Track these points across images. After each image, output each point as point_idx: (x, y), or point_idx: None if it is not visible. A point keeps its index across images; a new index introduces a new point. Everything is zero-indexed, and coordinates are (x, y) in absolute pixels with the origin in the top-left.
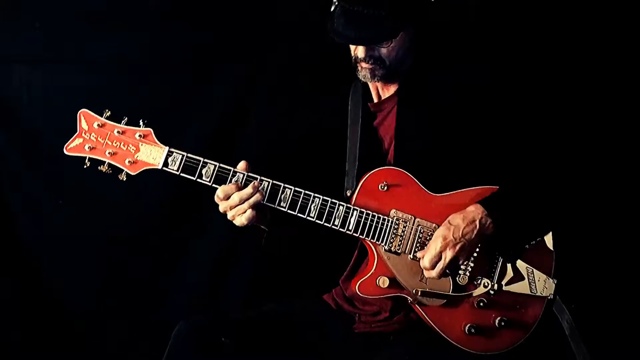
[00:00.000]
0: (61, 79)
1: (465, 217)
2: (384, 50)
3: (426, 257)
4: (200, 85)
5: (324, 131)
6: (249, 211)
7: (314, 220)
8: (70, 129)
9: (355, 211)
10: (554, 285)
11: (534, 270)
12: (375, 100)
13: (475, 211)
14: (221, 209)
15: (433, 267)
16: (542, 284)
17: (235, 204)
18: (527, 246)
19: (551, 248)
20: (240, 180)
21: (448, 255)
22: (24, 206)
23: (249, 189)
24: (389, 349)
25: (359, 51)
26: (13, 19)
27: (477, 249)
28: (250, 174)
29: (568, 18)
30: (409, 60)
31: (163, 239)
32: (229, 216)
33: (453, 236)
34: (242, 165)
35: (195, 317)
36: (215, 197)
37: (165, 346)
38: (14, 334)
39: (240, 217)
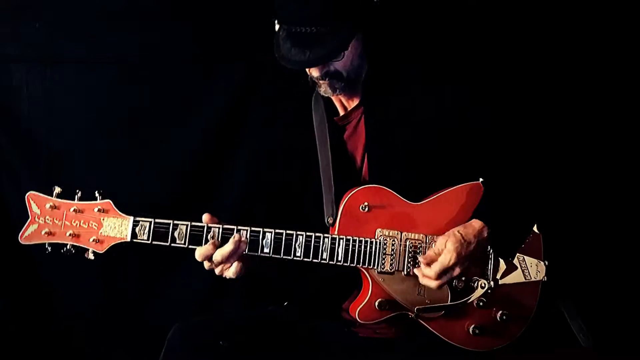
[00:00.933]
0: (61, 79)
1: (474, 234)
2: (338, 64)
3: (434, 267)
4: (200, 85)
5: (296, 154)
6: (235, 264)
7: (301, 259)
8: (71, 129)
9: (341, 240)
10: (544, 267)
11: (525, 257)
12: (342, 112)
13: (479, 226)
14: (206, 267)
15: (437, 277)
16: (535, 269)
17: (219, 262)
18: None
19: (537, 231)
20: (217, 235)
21: (457, 271)
22: (24, 206)
23: (229, 245)
24: (393, 352)
25: (313, 71)
26: (13, 19)
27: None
28: (225, 225)
29: (541, 13)
30: (364, 66)
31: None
32: (217, 272)
33: (466, 252)
34: (206, 217)
35: (190, 319)
36: (196, 257)
37: (160, 348)
38: (13, 334)
39: (228, 271)
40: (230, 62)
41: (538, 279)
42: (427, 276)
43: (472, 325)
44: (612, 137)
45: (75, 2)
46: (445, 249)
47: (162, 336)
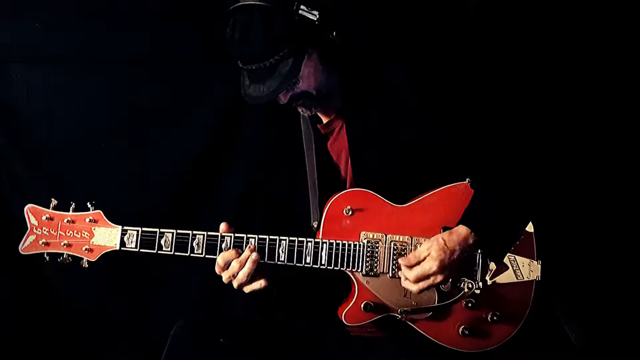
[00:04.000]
0: (61, 79)
1: (459, 241)
2: (301, 85)
3: (415, 270)
4: (200, 85)
5: (287, 160)
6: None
7: (284, 263)
8: (70, 129)
9: (324, 244)
10: (539, 266)
11: (516, 257)
12: (325, 120)
13: (465, 233)
14: (224, 279)
15: (416, 281)
16: (527, 268)
17: (236, 271)
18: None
19: (530, 230)
20: (201, 242)
21: (438, 278)
22: (24, 206)
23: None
24: (385, 350)
25: (279, 100)
26: (13, 19)
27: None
28: (209, 233)
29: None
30: (333, 77)
31: None
32: (235, 285)
33: (449, 260)
34: (223, 227)
35: (193, 317)
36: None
37: (163, 345)
38: (14, 334)
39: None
40: (230, 62)
41: (531, 278)
42: (407, 278)
43: (462, 326)
44: (604, 134)
45: (76, 2)
46: (428, 256)
47: (164, 333)
